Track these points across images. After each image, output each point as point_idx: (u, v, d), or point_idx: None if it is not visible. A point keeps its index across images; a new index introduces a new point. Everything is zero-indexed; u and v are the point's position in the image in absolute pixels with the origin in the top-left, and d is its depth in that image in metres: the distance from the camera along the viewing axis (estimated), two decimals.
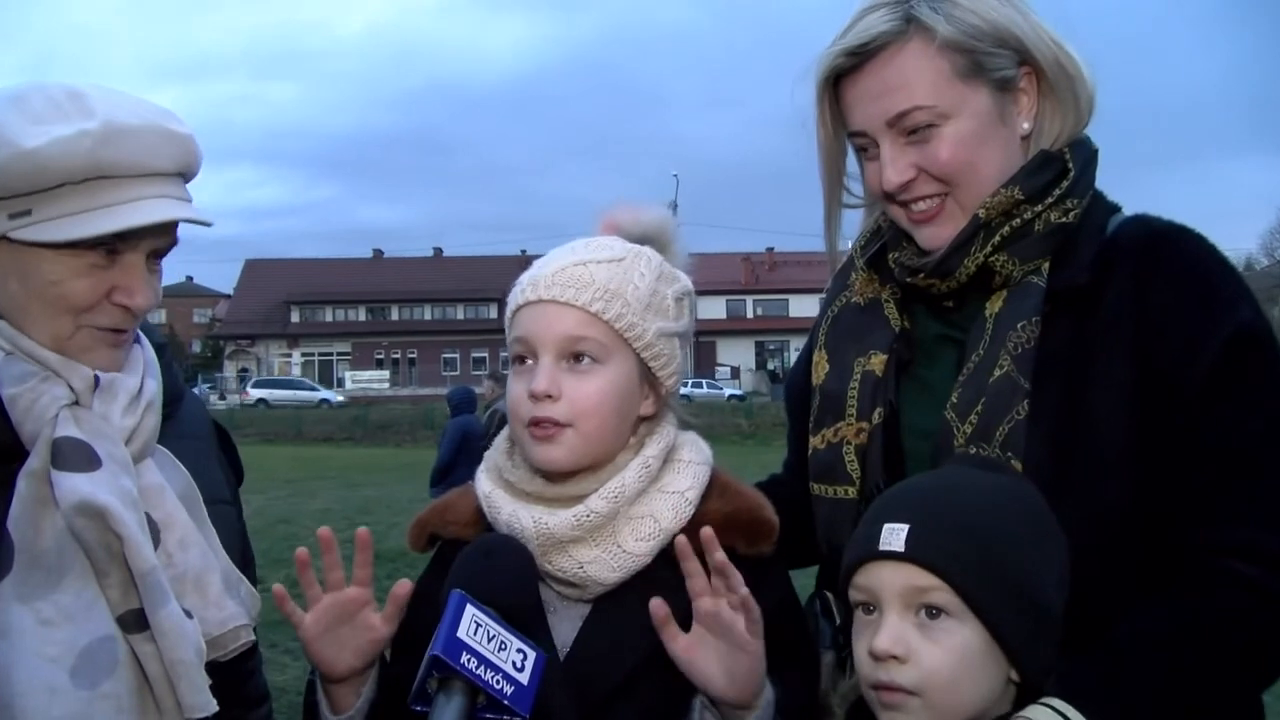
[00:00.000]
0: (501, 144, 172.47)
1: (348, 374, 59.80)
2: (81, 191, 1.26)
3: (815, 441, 1.54)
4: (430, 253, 70.85)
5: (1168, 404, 1.30)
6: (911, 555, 1.17)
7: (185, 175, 1.38)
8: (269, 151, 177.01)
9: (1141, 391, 1.31)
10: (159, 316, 76.91)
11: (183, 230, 1.38)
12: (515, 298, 1.42)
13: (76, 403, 1.30)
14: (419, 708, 1.06)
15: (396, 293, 64.59)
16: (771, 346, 58.87)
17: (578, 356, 1.37)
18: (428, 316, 63.89)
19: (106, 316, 1.32)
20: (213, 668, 1.35)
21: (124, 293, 1.31)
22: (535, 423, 1.36)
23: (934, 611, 1.16)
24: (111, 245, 1.29)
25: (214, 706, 1.30)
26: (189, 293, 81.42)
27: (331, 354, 64.16)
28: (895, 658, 1.16)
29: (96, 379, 1.32)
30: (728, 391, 48.05)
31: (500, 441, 1.49)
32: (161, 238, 1.35)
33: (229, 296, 70.81)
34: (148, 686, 1.27)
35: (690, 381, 45.07)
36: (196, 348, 72.85)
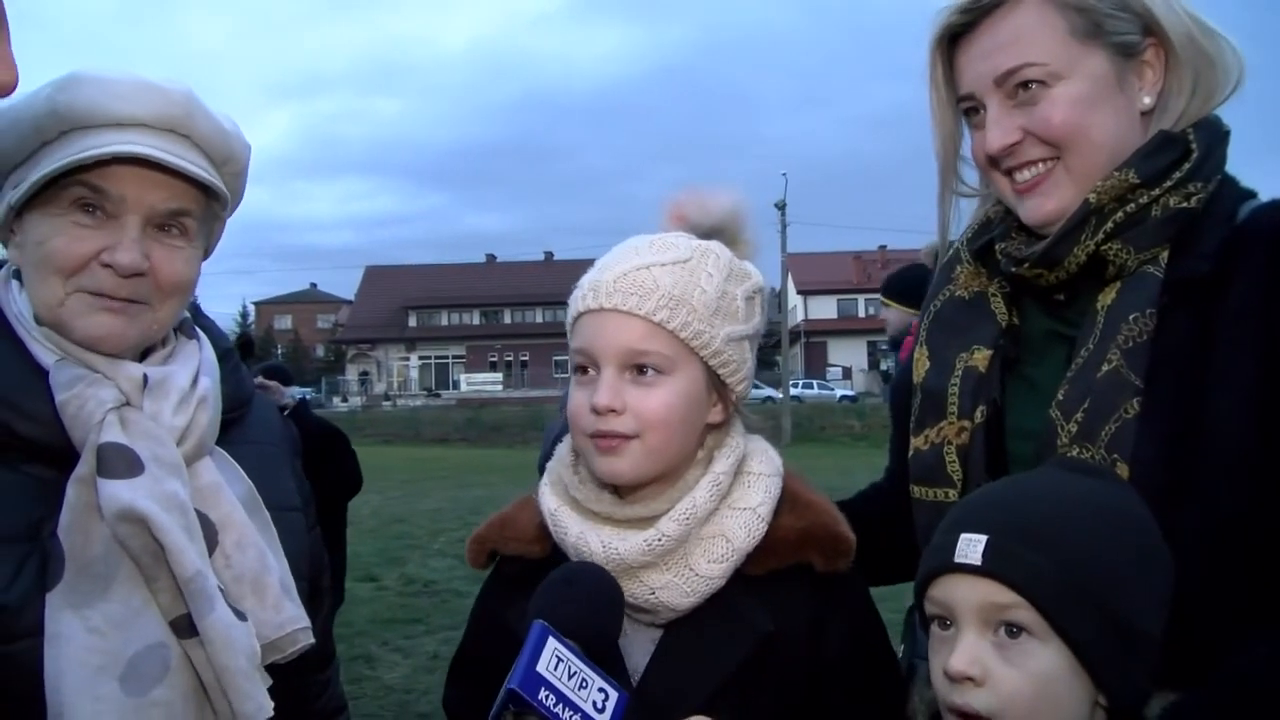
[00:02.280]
0: (601, 150, 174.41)
1: (462, 376, 61.19)
2: (57, 146, 1.26)
3: (917, 442, 1.45)
4: (541, 257, 72.17)
5: None
6: (989, 570, 1.07)
7: (188, 136, 1.32)
8: (379, 164, 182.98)
9: (1270, 391, 1.17)
10: (285, 322, 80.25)
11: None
12: (576, 303, 1.34)
13: (128, 403, 1.28)
14: None
15: (509, 296, 65.86)
16: (884, 347, 57.60)
17: (641, 368, 1.29)
18: (539, 319, 64.87)
19: (94, 280, 1.27)
20: (284, 680, 1.33)
21: (108, 252, 1.27)
22: (599, 435, 1.29)
23: (1014, 630, 1.06)
24: (87, 197, 1.26)
25: (268, 711, 1.27)
26: (312, 299, 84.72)
27: (447, 357, 65.81)
28: (971, 679, 1.06)
29: (145, 378, 1.30)
30: (839, 392, 47.27)
31: (564, 453, 1.42)
32: (150, 194, 1.29)
33: (350, 302, 73.37)
34: (203, 691, 1.25)
35: (801, 382, 44.61)
36: (320, 352, 75.66)
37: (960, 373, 1.41)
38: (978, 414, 1.38)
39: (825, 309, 60.05)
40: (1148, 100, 1.33)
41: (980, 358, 1.40)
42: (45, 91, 1.25)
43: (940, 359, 1.46)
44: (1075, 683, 1.06)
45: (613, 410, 1.28)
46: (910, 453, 1.48)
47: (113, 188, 1.27)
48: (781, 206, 43.18)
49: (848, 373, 55.72)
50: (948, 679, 1.09)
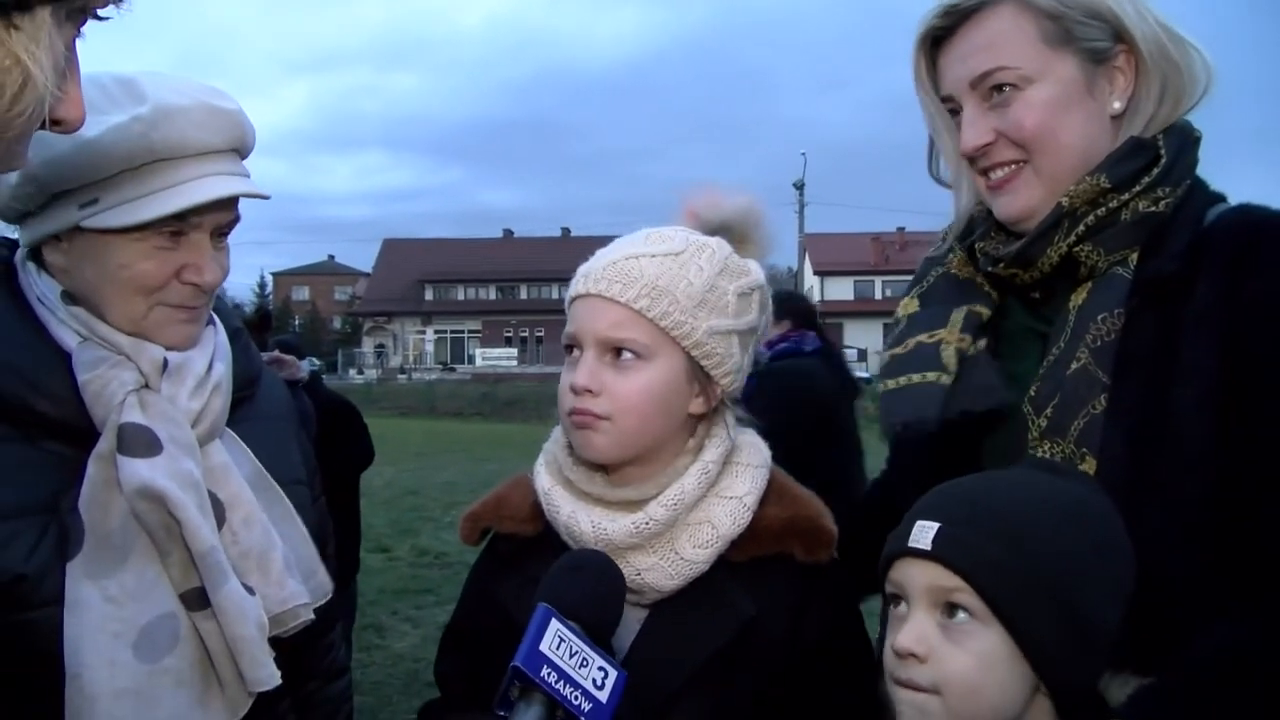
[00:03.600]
0: (617, 128, 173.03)
1: (478, 351, 61.39)
2: (141, 175, 1.30)
3: (897, 350, 1.46)
4: (558, 233, 72.18)
5: (1262, 403, 1.20)
6: (936, 554, 1.13)
7: (240, 151, 1.42)
8: (396, 138, 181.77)
9: (1231, 389, 1.21)
10: (303, 293, 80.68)
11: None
12: (571, 288, 1.41)
13: (147, 385, 1.35)
14: (501, 713, 1.08)
15: (526, 272, 65.93)
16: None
17: (619, 352, 1.34)
18: (555, 295, 64.89)
19: (177, 295, 1.37)
20: (291, 642, 1.41)
21: (193, 270, 1.36)
22: (575, 413, 1.35)
23: (958, 612, 1.12)
24: (175, 226, 1.34)
25: (276, 679, 1.35)
26: (330, 271, 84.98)
27: (463, 331, 66.05)
28: (915, 656, 1.12)
29: (165, 362, 1.37)
30: (856, 374, 46.96)
31: (559, 435, 1.47)
32: (223, 215, 1.39)
33: (368, 275, 73.63)
34: (209, 661, 1.32)
35: None
36: (337, 324, 76.05)
37: (963, 315, 1.44)
38: (982, 343, 1.41)
39: (842, 290, 59.83)
40: (1118, 105, 1.38)
41: (980, 310, 1.45)
42: (139, 129, 1.29)
43: (934, 308, 1.49)
44: (1016, 665, 1.11)
45: (589, 390, 1.34)
46: (885, 360, 1.48)
47: (195, 216, 1.36)
48: (800, 186, 43.02)
49: (863, 355, 55.56)
50: (896, 655, 1.15)
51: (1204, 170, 1.39)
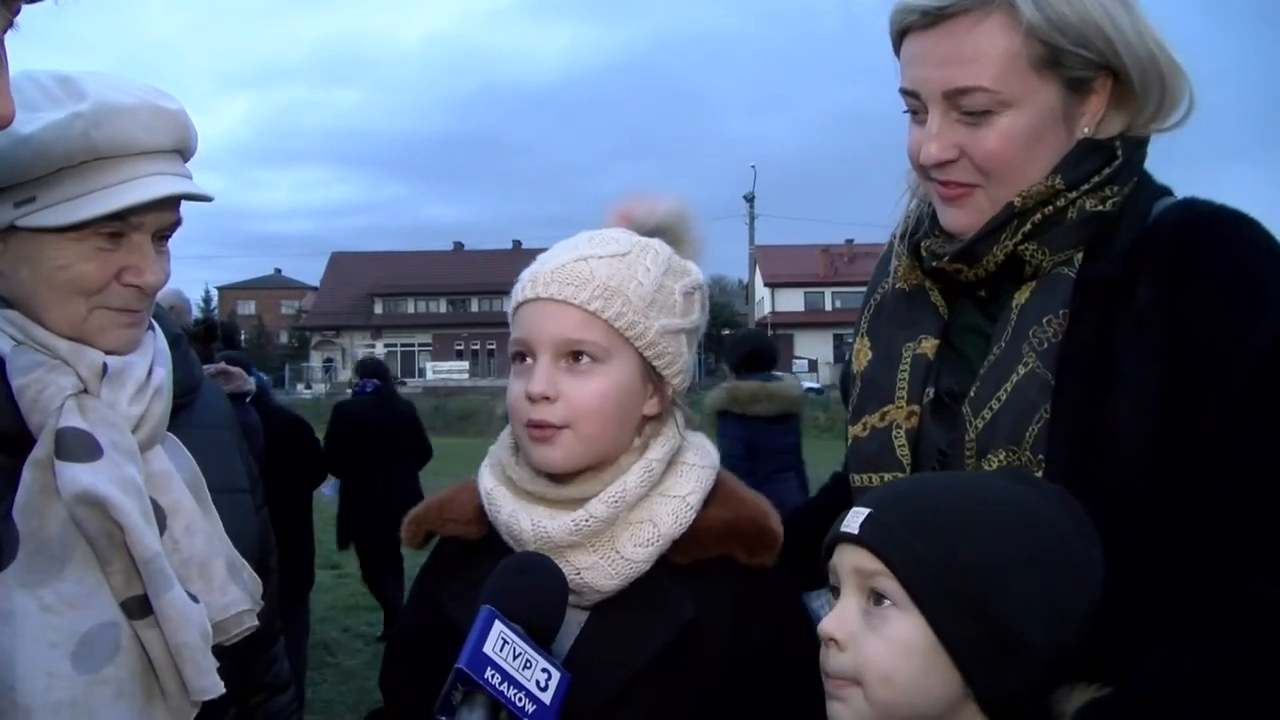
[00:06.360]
0: (562, 144, 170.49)
1: (428, 364, 60.81)
2: (80, 174, 1.28)
3: (856, 430, 1.44)
4: (509, 245, 71.76)
5: (1198, 412, 1.18)
6: (861, 538, 1.14)
7: (183, 153, 1.40)
8: (338, 153, 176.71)
9: (1170, 397, 1.19)
10: (249, 308, 79.28)
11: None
12: (515, 295, 1.38)
13: (85, 390, 1.32)
14: (442, 717, 1.06)
15: (476, 285, 65.41)
16: (850, 340, 57.68)
17: (576, 356, 1.32)
18: (507, 308, 64.45)
19: (118, 297, 1.34)
20: (234, 656, 1.38)
21: (133, 272, 1.33)
22: (532, 424, 1.32)
23: (879, 598, 1.13)
24: (116, 227, 1.31)
25: (221, 688, 1.32)
26: (277, 285, 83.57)
27: (413, 345, 65.35)
28: (836, 642, 1.13)
29: (105, 366, 1.33)
30: (805, 385, 47.25)
31: (505, 436, 1.46)
32: (165, 215, 1.37)
33: (315, 289, 72.62)
34: (151, 671, 1.29)
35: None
36: (284, 338, 74.82)
37: (909, 361, 1.42)
38: (926, 395, 1.39)
39: (793, 302, 60.25)
40: (1087, 130, 1.33)
41: (928, 346, 1.41)
42: (79, 126, 1.26)
43: (884, 350, 1.46)
44: (938, 660, 1.10)
45: (546, 398, 1.31)
46: (849, 441, 1.47)
47: (137, 217, 1.33)
48: (750, 199, 43.36)
49: (814, 365, 55.98)
50: (823, 644, 1.16)
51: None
